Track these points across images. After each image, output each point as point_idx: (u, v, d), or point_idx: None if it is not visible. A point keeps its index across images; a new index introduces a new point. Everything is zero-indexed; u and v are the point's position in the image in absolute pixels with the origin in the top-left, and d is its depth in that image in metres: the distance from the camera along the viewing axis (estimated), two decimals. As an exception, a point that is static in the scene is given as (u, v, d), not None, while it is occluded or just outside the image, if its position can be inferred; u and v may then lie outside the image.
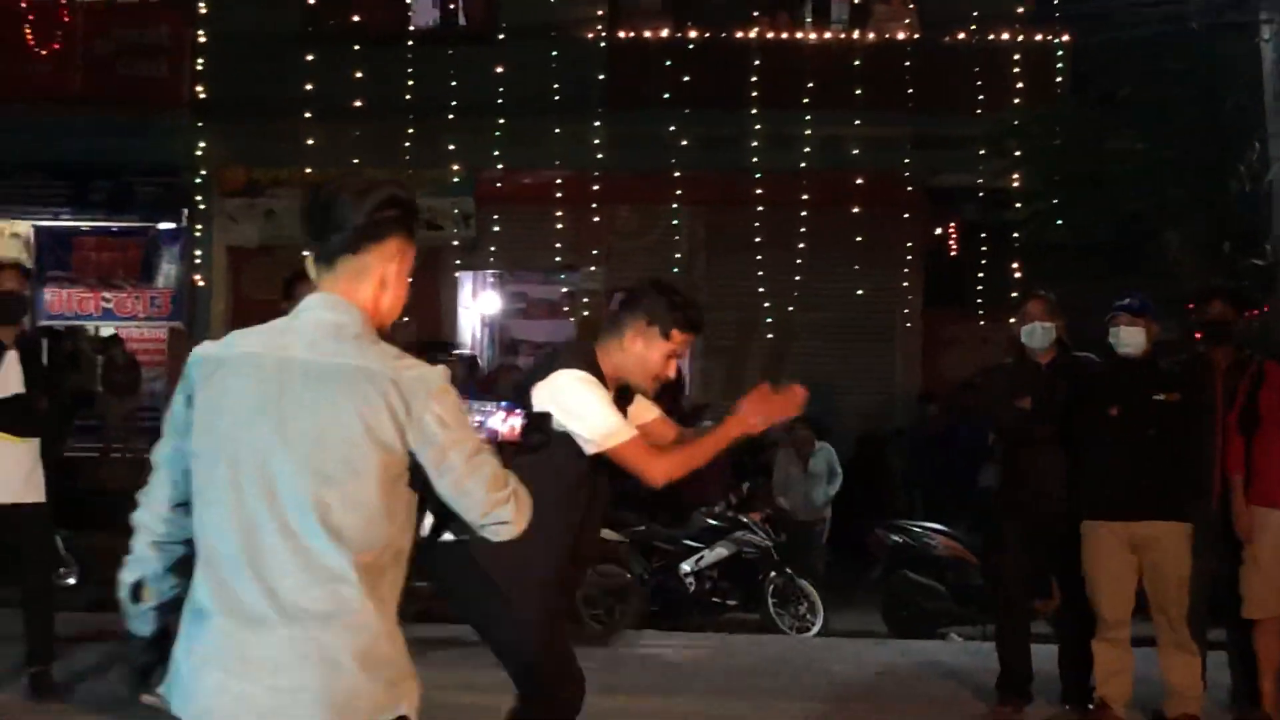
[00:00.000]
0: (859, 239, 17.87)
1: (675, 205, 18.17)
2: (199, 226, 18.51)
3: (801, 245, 17.80)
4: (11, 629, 8.46)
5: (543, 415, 4.17)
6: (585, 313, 18.60)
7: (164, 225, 18.75)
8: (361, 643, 3.39)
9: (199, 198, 18.44)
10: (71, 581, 11.70)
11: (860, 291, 18.06)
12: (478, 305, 19.70)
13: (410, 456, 3.43)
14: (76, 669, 8.72)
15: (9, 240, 19.00)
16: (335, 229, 3.49)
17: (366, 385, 3.40)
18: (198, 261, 18.49)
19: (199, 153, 18.15)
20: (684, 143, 17.73)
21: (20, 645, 8.31)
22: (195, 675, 3.40)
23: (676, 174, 17.84)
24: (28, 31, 17.23)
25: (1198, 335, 8.68)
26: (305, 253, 3.58)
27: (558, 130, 17.56)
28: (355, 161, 17.46)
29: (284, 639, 3.35)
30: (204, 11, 17.97)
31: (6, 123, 17.14)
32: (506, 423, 3.97)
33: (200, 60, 17.99)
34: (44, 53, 17.23)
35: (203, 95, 18.06)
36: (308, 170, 17.11)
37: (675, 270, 18.04)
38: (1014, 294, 13.59)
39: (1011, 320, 8.91)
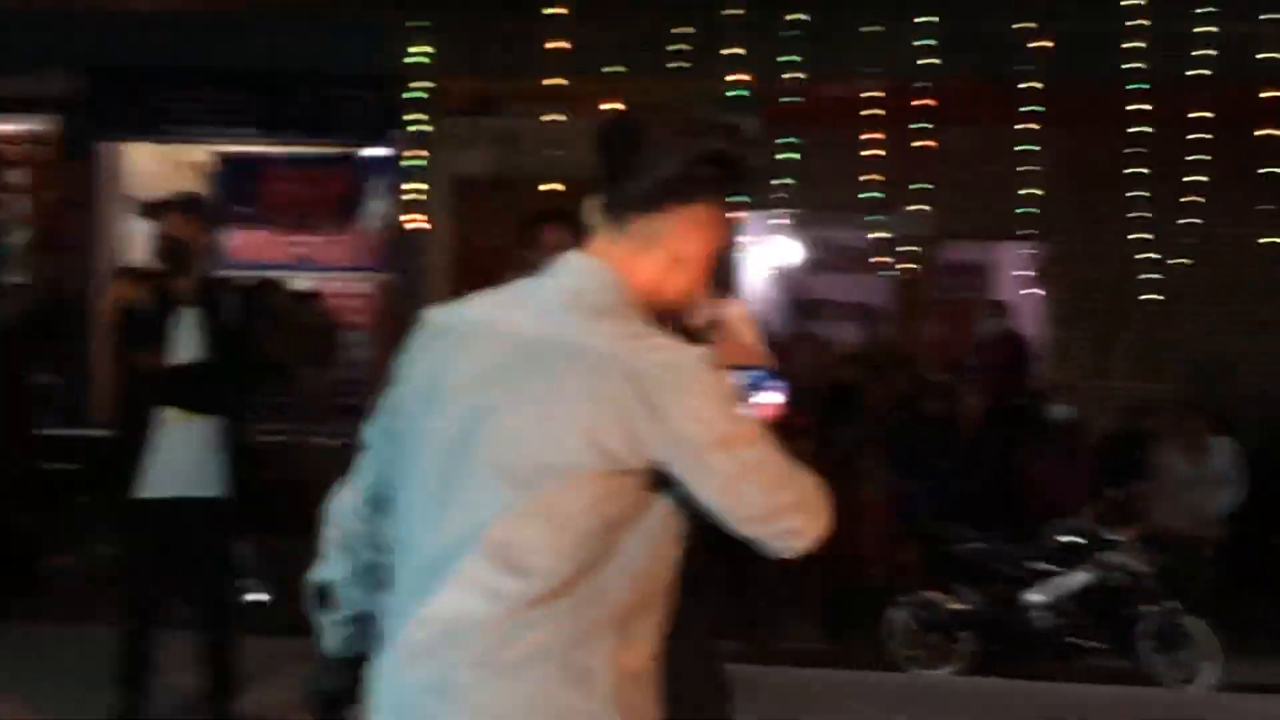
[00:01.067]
0: (1276, 172, 17.45)
1: (1028, 125, 17.93)
2: (416, 153, 18.86)
3: (1198, 179, 17.48)
4: (185, 654, 8.71)
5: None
6: (904, 265, 18.52)
7: (372, 151, 19.22)
8: (535, 698, 3.37)
9: (417, 116, 18.76)
10: (262, 598, 11.96)
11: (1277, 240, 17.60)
12: (765, 255, 19.73)
13: (654, 471, 3.41)
14: (266, 704, 8.93)
15: (182, 171, 19.68)
16: (635, 174, 3.53)
17: (591, 373, 3.41)
18: (414, 197, 18.87)
19: (417, 59, 18.53)
20: (1040, 44, 17.57)
21: (196, 674, 8.57)
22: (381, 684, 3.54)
23: (1030, 85, 17.67)
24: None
25: None
26: (591, 198, 3.63)
27: (872, 27, 17.55)
28: (609, 70, 17.78)
29: (453, 685, 3.38)
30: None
31: (178, 24, 17.77)
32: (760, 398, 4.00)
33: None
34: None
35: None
36: (552, 81, 17.32)
37: (1024, 212, 17.85)
38: None
39: None
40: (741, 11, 17.47)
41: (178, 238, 8.60)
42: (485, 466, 3.43)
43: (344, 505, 3.81)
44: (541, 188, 16.25)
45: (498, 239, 14.02)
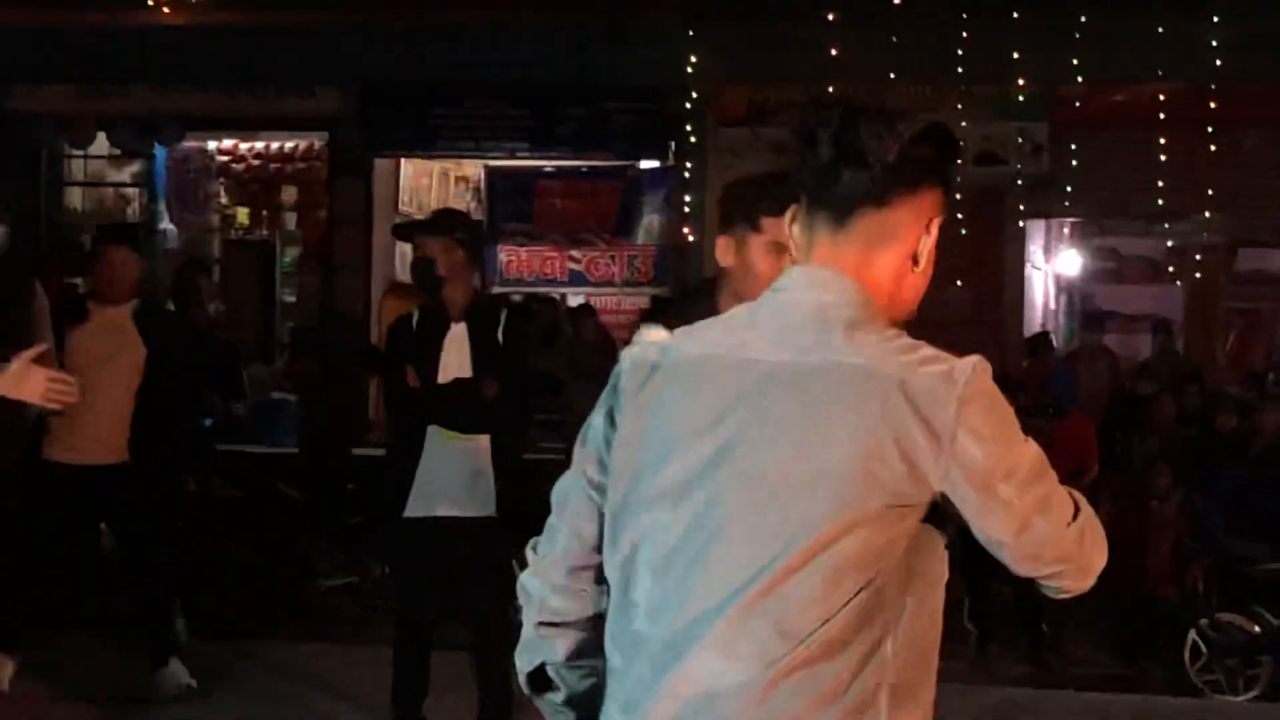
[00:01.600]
0: None
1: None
2: (690, 165, 19.04)
3: None
4: (458, 674, 8.88)
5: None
6: (1197, 274, 18.37)
7: (646, 164, 19.41)
8: None
9: (690, 128, 18.93)
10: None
11: None
12: (1051, 264, 19.69)
13: (934, 502, 3.09)
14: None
15: (452, 186, 20.09)
16: (852, 163, 3.17)
17: (857, 396, 3.05)
18: (689, 210, 18.94)
19: (691, 70, 18.53)
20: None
21: (470, 696, 8.69)
22: None
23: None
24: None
25: None
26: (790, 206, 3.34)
27: (1163, 28, 17.26)
28: (891, 76, 17.79)
29: None
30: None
31: (451, 38, 18.10)
32: None
33: (692, -50, 18.55)
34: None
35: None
36: (828, 90, 17.37)
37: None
38: None
39: None
40: (1025, 14, 17.40)
41: (427, 258, 8.58)
42: (740, 516, 3.07)
43: (543, 578, 3.42)
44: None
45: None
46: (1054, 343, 18.00)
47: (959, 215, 18.35)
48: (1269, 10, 17.19)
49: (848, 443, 3.01)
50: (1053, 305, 19.80)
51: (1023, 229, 19.07)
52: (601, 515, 3.28)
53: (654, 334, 3.35)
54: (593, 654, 3.33)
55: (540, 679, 3.47)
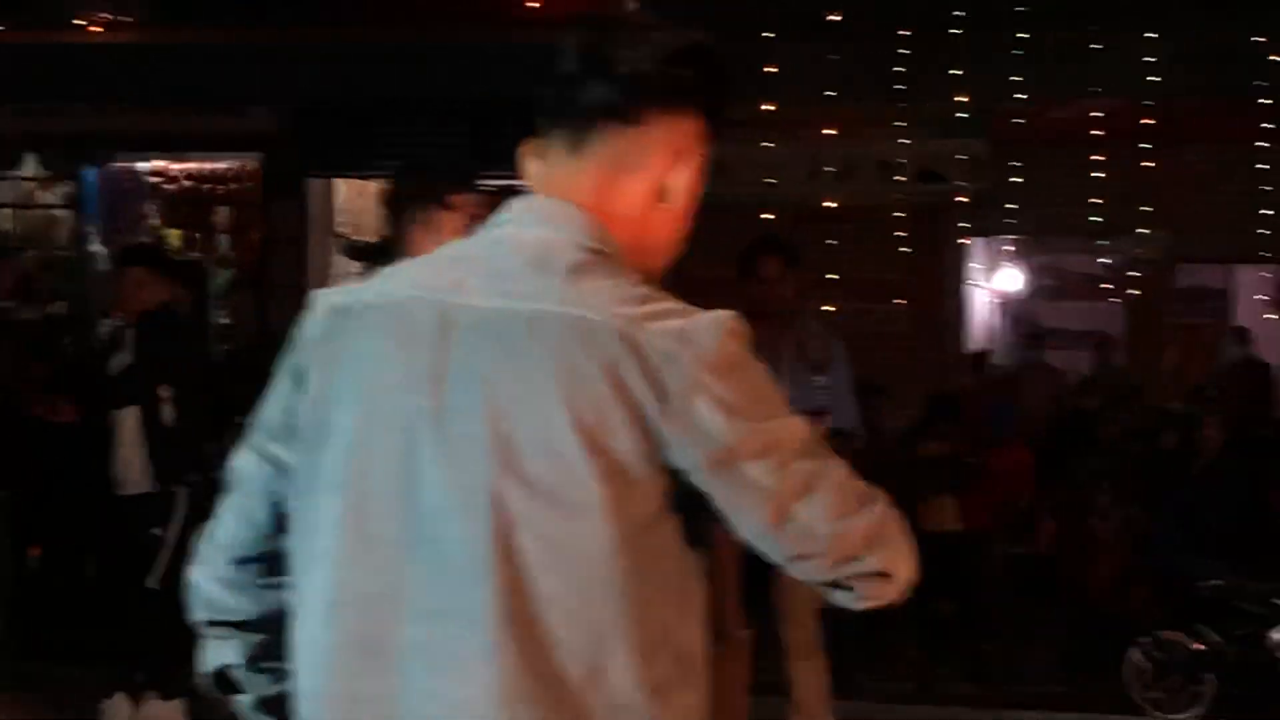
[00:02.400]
0: None
1: (1264, 145, 17.87)
2: None
3: None
4: None
5: None
6: (1138, 291, 18.52)
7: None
8: None
9: None
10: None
11: None
12: (992, 283, 19.83)
13: (675, 476, 2.63)
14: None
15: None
16: (598, 73, 2.78)
17: (582, 352, 2.59)
18: None
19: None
20: (1277, 58, 17.42)
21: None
22: None
23: (1267, 101, 17.41)
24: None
25: None
26: (529, 141, 2.93)
27: (1100, 46, 17.52)
28: (830, 94, 17.87)
29: None
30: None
31: (396, 54, 18.14)
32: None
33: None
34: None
35: (632, 14, 18.62)
36: (768, 107, 17.50)
37: (1263, 233, 17.82)
38: None
39: None
40: (965, 32, 17.50)
41: None
42: (442, 493, 2.62)
43: (206, 569, 2.95)
44: (758, 217, 16.39)
45: (714, 270, 14.33)
46: (994, 360, 18.14)
47: (899, 233, 18.53)
48: (1206, 28, 17.38)
49: (561, 407, 2.56)
50: (993, 323, 19.92)
51: (962, 247, 19.21)
52: (278, 495, 2.82)
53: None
54: (280, 655, 2.86)
55: (225, 681, 3.02)
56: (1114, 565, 13.61)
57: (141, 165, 20.15)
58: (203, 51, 18.56)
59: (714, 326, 2.59)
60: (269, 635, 2.89)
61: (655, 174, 2.82)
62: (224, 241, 20.70)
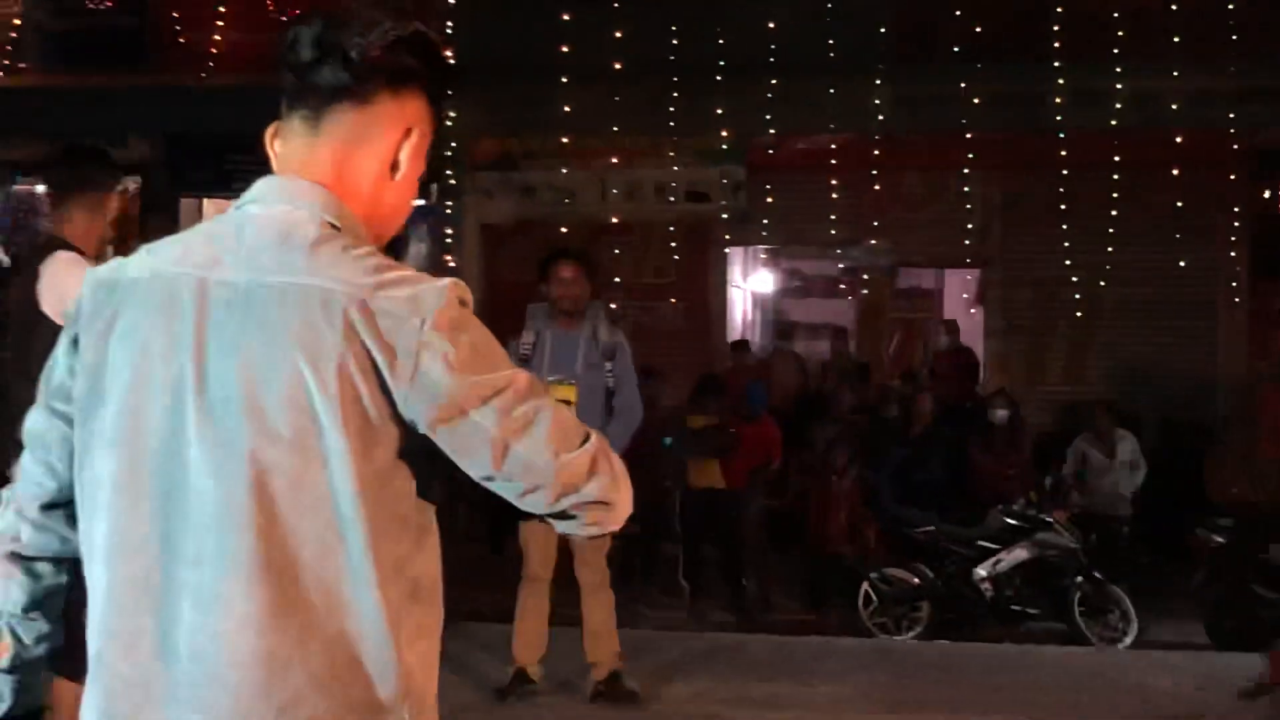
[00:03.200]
0: (1178, 204, 17.49)
1: (967, 170, 18.08)
2: (450, 203, 18.81)
3: (1111, 213, 17.47)
4: None
5: None
6: (866, 291, 18.62)
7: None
8: None
9: (449, 171, 18.67)
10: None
11: (1180, 264, 17.71)
12: (748, 284, 19.85)
13: (408, 429, 2.50)
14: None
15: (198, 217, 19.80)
16: (331, 56, 2.63)
17: (321, 319, 2.46)
18: (449, 240, 18.79)
19: (449, 123, 18.32)
20: (976, 101, 17.51)
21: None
22: None
23: (969, 136, 17.65)
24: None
25: None
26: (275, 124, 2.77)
27: (835, 90, 17.46)
28: (615, 129, 17.82)
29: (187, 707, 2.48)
30: (453, -30, 18.37)
31: (248, 94, 17.76)
32: None
33: (449, 22, 18.37)
34: (284, 19, 17.81)
35: (452, 60, 18.37)
36: (563, 139, 17.40)
37: (968, 243, 17.98)
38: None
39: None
40: (726, 77, 17.42)
41: None
42: (203, 451, 2.48)
43: (21, 513, 2.74)
44: (557, 231, 16.29)
45: (521, 276, 14.20)
46: (751, 347, 18.10)
47: (672, 244, 18.50)
48: (921, 76, 17.49)
49: (302, 369, 2.44)
50: (750, 317, 19.92)
51: (725, 255, 19.19)
52: (72, 447, 2.63)
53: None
54: (50, 614, 2.75)
55: None
56: (847, 515, 13.66)
57: (39, 188, 19.65)
58: (88, 93, 18.23)
59: (439, 291, 2.48)
60: (54, 583, 2.75)
61: (386, 149, 2.69)
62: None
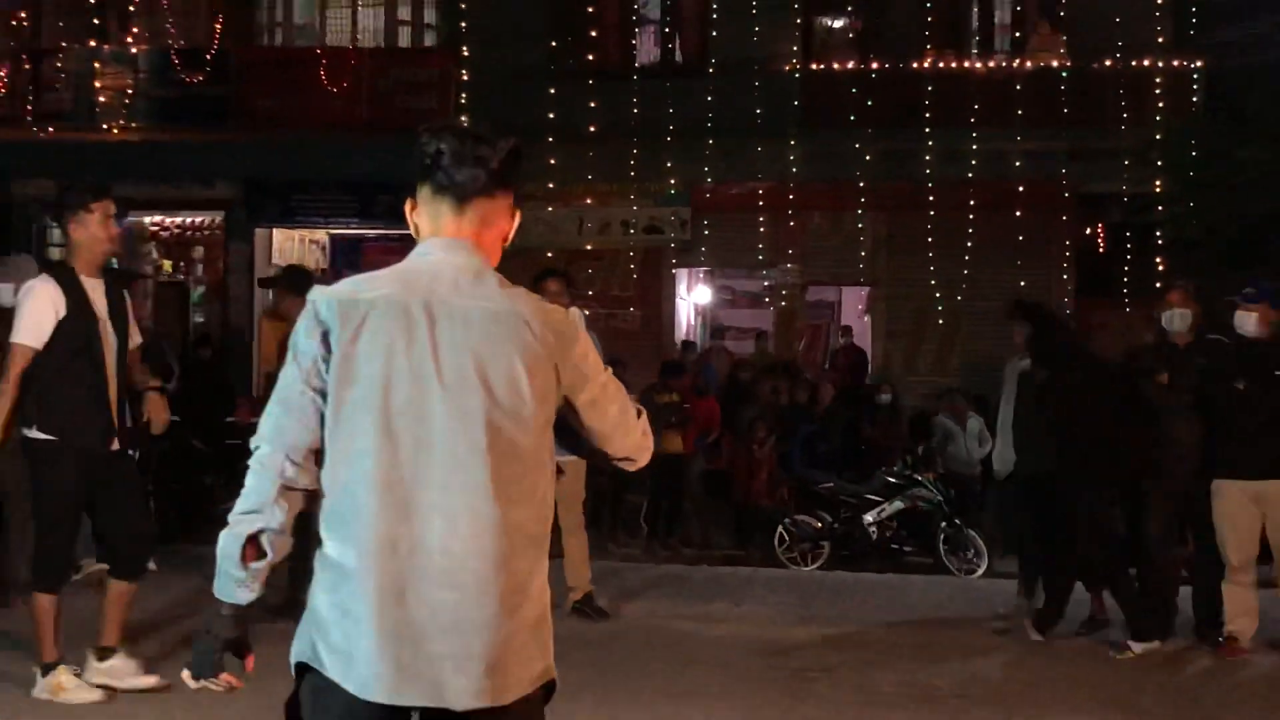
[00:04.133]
0: (1020, 239, 17.57)
1: (860, 211, 18.04)
2: None
3: (969, 245, 17.58)
4: None
5: None
6: (782, 302, 18.61)
7: None
8: (523, 614, 2.84)
9: None
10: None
11: (1021, 284, 17.76)
12: (692, 297, 19.82)
13: (563, 402, 2.92)
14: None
15: (307, 248, 19.68)
16: (474, 166, 2.92)
17: (523, 329, 2.84)
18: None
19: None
20: (867, 158, 17.64)
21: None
22: (349, 641, 2.77)
23: (861, 185, 17.73)
24: (323, 73, 17.81)
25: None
26: (418, 196, 2.99)
27: (760, 149, 17.63)
28: (590, 177, 17.84)
29: (441, 602, 2.77)
30: (466, 55, 18.36)
31: (308, 147, 17.78)
32: None
33: (463, 95, 18.39)
34: (336, 90, 17.78)
35: (465, 123, 18.31)
36: (550, 185, 17.35)
37: (860, 266, 18.01)
38: (1156, 285, 13.44)
39: (1155, 308, 8.80)
40: (672, 140, 17.59)
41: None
42: (447, 416, 2.78)
43: (284, 455, 2.85)
44: (545, 256, 16.26)
45: (515, 286, 14.11)
46: (695, 345, 18.10)
47: (632, 267, 18.48)
48: (825, 138, 17.51)
49: (518, 361, 2.82)
50: (692, 322, 19.87)
51: (674, 275, 19.12)
52: (321, 415, 2.84)
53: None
54: (296, 534, 2.89)
55: (252, 546, 2.86)
56: (767, 475, 13.67)
57: (146, 219, 19.53)
58: (183, 145, 18.27)
59: (576, 315, 2.96)
60: (303, 509, 2.91)
61: (505, 228, 3.01)
62: (199, 269, 20.17)
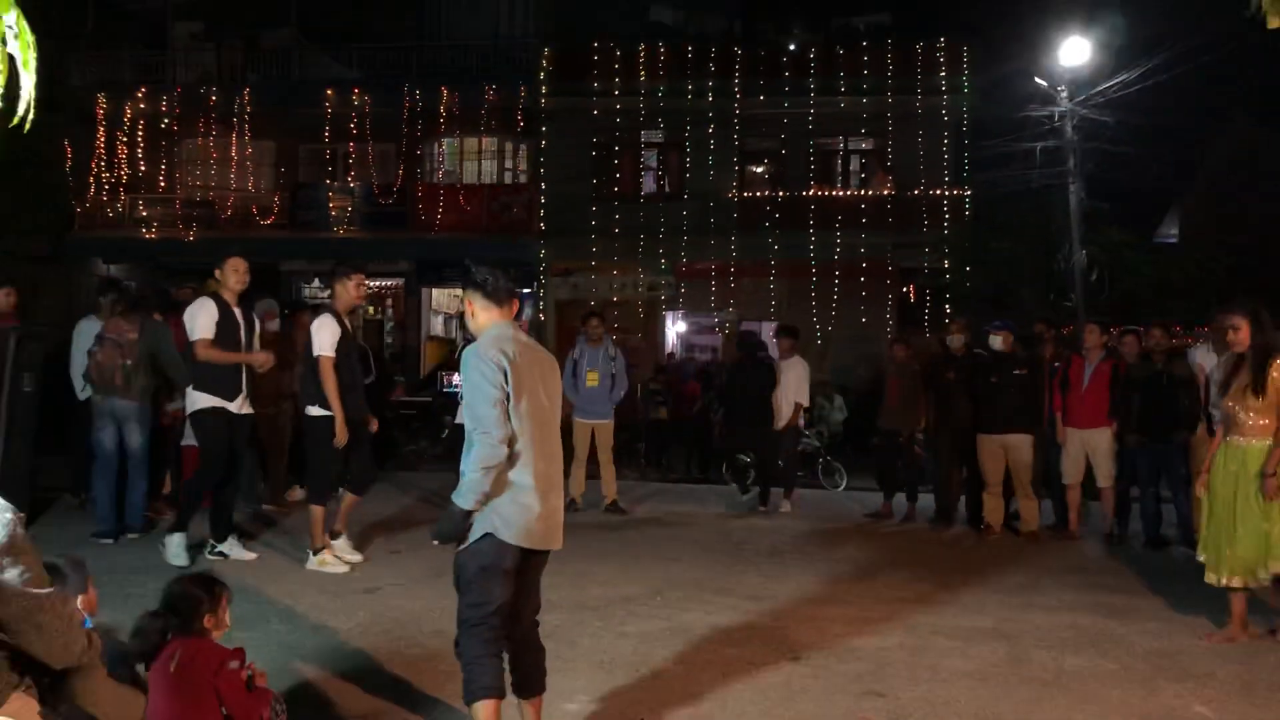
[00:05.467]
0: (863, 294, 17.51)
1: (771, 278, 17.87)
2: (541, 290, 18.62)
3: (834, 297, 17.55)
4: None
5: None
6: (726, 331, 18.56)
7: (525, 290, 18.78)
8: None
9: (541, 277, 18.57)
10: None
11: (863, 321, 17.77)
12: (675, 328, 19.72)
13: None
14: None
15: (459, 301, 19.44)
16: (506, 286, 3.15)
17: (555, 365, 3.15)
18: (540, 306, 18.55)
19: (541, 254, 18.37)
20: (776, 247, 17.63)
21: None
22: (522, 514, 3.01)
23: (773, 263, 17.64)
24: (461, 198, 17.88)
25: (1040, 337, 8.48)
26: (471, 299, 3.14)
27: (712, 242, 17.62)
28: (615, 259, 17.74)
29: (554, 496, 3.09)
30: (544, 187, 18.32)
31: (453, 241, 17.77)
32: None
33: (542, 210, 18.38)
34: (469, 207, 17.87)
35: (543, 227, 18.32)
36: (592, 263, 17.33)
37: (772, 309, 17.91)
38: (944, 320, 13.48)
39: (943, 333, 8.85)
40: (663, 236, 17.52)
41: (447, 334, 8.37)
42: (550, 414, 3.07)
43: (504, 443, 2.96)
44: (588, 303, 16.19)
45: (572, 323, 14.12)
46: (675, 355, 18.03)
47: (640, 311, 18.41)
48: (755, 234, 17.44)
49: (556, 381, 3.11)
50: (675, 344, 19.66)
51: (665, 315, 19.05)
52: (508, 410, 2.98)
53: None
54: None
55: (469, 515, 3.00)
56: (717, 427, 13.54)
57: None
58: (379, 240, 18.06)
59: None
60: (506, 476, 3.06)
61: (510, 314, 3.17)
62: (389, 312, 20.11)
